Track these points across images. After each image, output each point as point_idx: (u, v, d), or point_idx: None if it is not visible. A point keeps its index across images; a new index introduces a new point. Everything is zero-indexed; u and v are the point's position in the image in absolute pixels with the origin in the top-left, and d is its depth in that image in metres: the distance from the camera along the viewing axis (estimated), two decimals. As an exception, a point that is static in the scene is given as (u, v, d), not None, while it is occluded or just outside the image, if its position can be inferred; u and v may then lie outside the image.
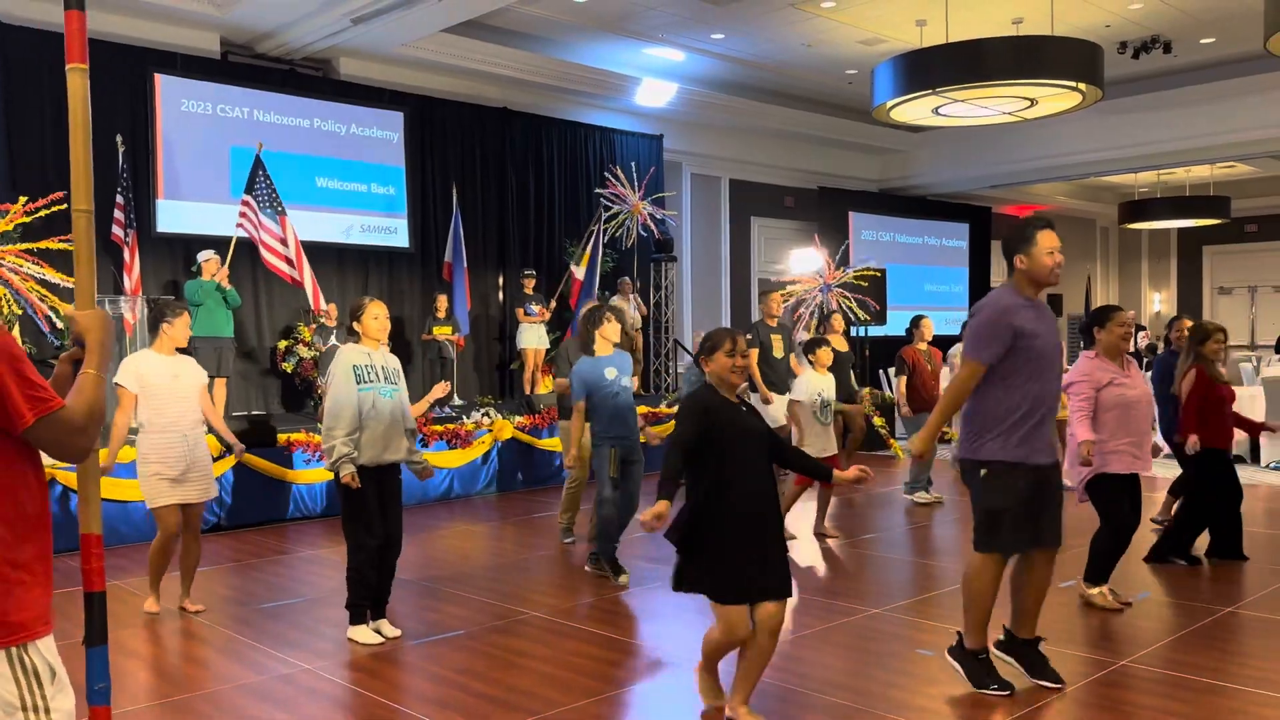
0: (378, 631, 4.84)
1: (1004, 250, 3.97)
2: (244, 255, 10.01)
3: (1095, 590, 5.12)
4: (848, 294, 11.74)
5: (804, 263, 12.36)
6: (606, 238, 12.29)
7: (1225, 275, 21.76)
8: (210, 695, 4.18)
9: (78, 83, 2.30)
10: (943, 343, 10.03)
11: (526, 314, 11.16)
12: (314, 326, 10.13)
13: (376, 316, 4.80)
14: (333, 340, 9.81)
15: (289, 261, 9.19)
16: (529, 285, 11.43)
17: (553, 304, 11.56)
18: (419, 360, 11.28)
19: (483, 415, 9.17)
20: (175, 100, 9.96)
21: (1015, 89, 10.30)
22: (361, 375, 4.72)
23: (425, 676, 4.38)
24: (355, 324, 4.84)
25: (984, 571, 3.91)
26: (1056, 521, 3.98)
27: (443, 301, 10.86)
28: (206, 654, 4.78)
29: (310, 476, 8.19)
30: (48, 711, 1.98)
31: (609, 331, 5.94)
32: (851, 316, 11.45)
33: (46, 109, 9.09)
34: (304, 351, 9.96)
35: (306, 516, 8.23)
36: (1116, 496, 5.03)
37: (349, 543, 4.80)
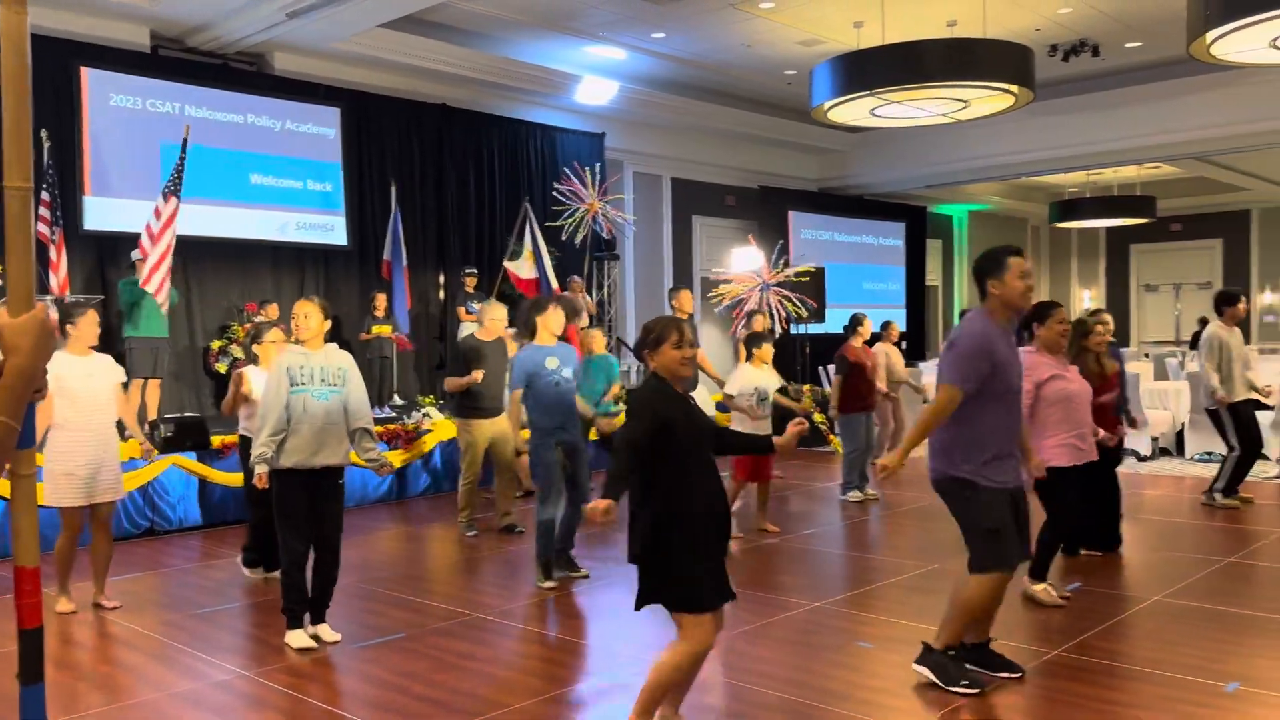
0: (315, 637, 4.77)
1: (975, 277, 4.01)
2: (175, 251, 9.80)
3: (1039, 587, 5.21)
4: (786, 292, 11.84)
5: (744, 261, 12.43)
6: (565, 236, 12.23)
7: (1151, 273, 22.40)
8: (144, 704, 4.08)
9: (14, 22, 1.73)
10: (880, 339, 10.22)
11: (468, 312, 11.08)
12: (248, 326, 9.93)
13: (308, 315, 4.72)
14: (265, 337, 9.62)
15: (149, 234, 8.72)
16: (470, 284, 11.35)
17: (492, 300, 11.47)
18: (359, 360, 11.12)
19: (423, 415, 9.09)
20: (103, 95, 9.71)
21: (949, 90, 10.49)
22: (295, 376, 4.64)
23: (366, 680, 4.33)
24: (294, 324, 4.79)
25: (989, 589, 3.91)
26: (1026, 535, 4.10)
27: (381, 300, 10.74)
28: (139, 661, 4.68)
29: (243, 479, 8.03)
30: None
31: (551, 321, 5.84)
32: (789, 315, 11.55)
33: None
34: (238, 351, 9.77)
35: (241, 520, 8.07)
36: (1063, 491, 5.12)
37: (282, 544, 4.74)
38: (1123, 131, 14.74)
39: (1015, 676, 4.02)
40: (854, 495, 8.50)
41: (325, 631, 4.82)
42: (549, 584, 5.73)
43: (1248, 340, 19.26)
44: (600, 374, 7.59)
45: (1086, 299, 23.25)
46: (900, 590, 5.56)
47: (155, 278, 8.17)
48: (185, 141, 8.61)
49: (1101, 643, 4.53)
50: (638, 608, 3.30)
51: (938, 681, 3.96)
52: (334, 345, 4.87)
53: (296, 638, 4.72)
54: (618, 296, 13.96)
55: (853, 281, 17.48)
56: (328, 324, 4.86)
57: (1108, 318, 6.04)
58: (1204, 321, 16.79)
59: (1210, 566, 5.91)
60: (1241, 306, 7.81)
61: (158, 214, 8.39)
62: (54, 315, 8.11)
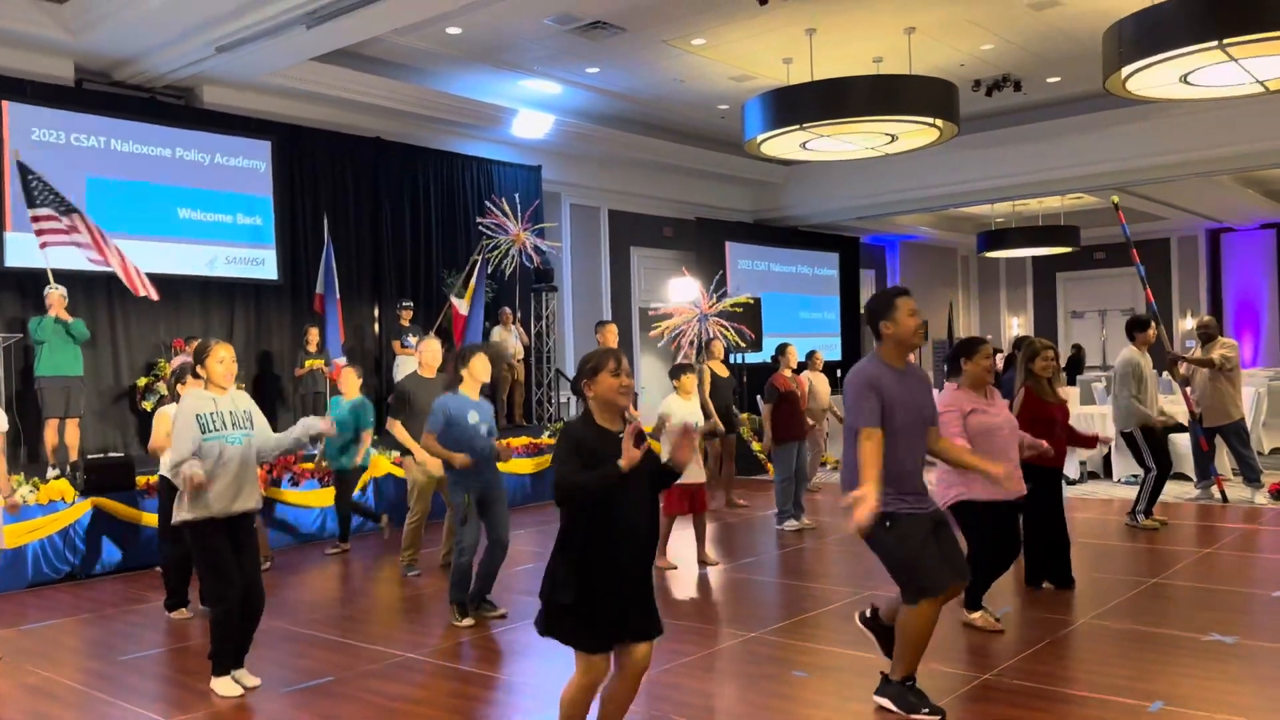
0: (238, 682, 4.65)
1: (869, 321, 4.09)
2: (98, 287, 9.60)
3: (975, 615, 5.28)
4: (724, 323, 11.94)
5: (681, 292, 12.52)
6: (490, 269, 12.20)
7: (1078, 300, 22.99)
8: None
9: None
10: (828, 369, 10.37)
11: (404, 346, 10.98)
12: (174, 362, 9.73)
13: (222, 360, 4.60)
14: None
15: (98, 249, 8.69)
16: (406, 317, 11.26)
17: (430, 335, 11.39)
18: (291, 396, 10.98)
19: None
20: (25, 129, 9.49)
21: (876, 125, 10.73)
22: (206, 424, 4.52)
23: (297, 726, 4.23)
24: (200, 368, 4.64)
25: (921, 618, 3.97)
26: (960, 555, 4.15)
27: (314, 334, 10.59)
28: (60, 712, 4.51)
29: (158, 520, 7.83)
30: None
31: (478, 370, 5.79)
32: (728, 344, 11.64)
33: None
34: (163, 389, 9.55)
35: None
36: (981, 522, 5.15)
37: (208, 595, 4.62)
38: (1045, 163, 15.18)
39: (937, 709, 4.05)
40: (790, 524, 8.54)
41: (246, 677, 4.70)
42: (466, 622, 5.71)
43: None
44: (350, 421, 7.76)
45: (1015, 326, 23.77)
46: (835, 618, 5.59)
47: (135, 281, 8.68)
48: (22, 165, 8.74)
49: (1031, 665, 4.60)
50: (543, 633, 3.30)
51: (898, 710, 4.00)
52: (241, 391, 4.80)
53: (225, 685, 4.60)
54: (555, 328, 13.94)
55: (789, 311, 17.68)
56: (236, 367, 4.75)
57: (1051, 351, 6.05)
58: (1077, 348, 17.29)
59: (1136, 588, 6.05)
60: (1151, 331, 8.07)
61: (89, 240, 8.31)
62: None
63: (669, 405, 7.21)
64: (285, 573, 7.42)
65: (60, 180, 9.60)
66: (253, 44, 9.50)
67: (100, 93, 10.21)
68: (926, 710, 3.97)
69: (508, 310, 12.34)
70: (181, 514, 4.54)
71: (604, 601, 3.20)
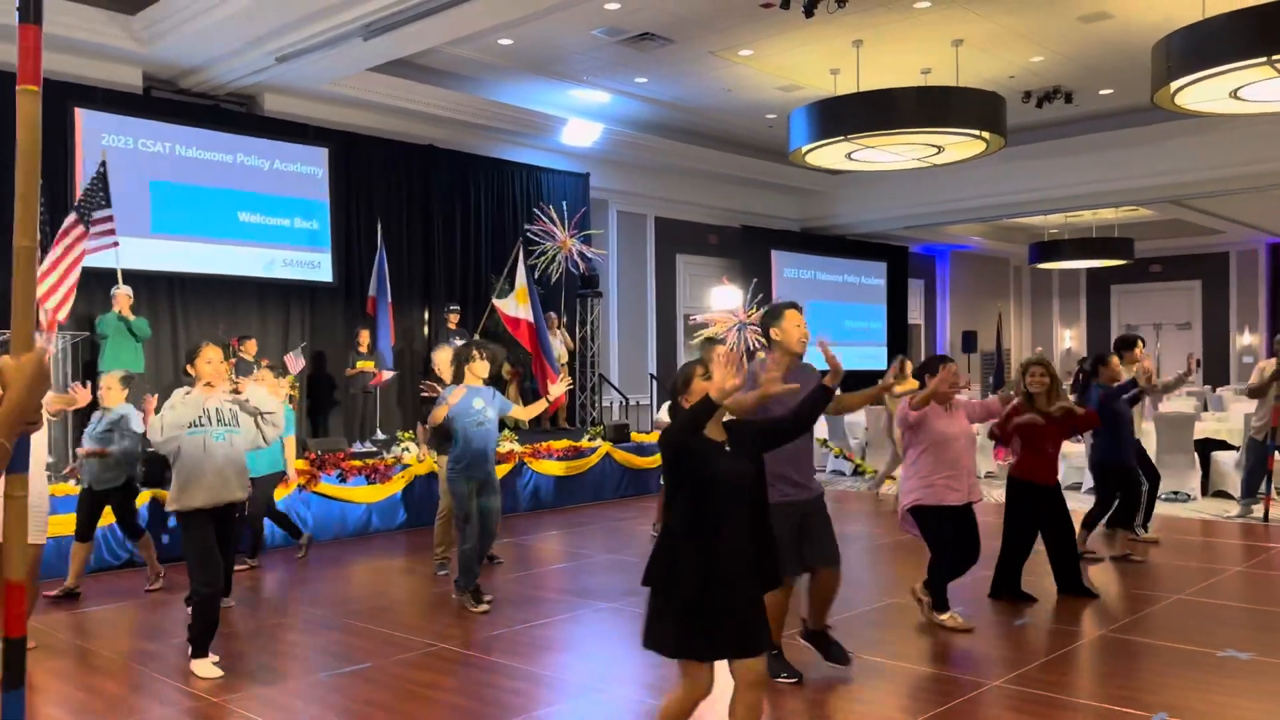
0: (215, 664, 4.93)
1: (761, 326, 4.64)
2: (160, 287, 10.00)
3: (945, 616, 5.50)
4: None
5: (723, 300, 12.67)
6: (538, 274, 12.44)
7: (1132, 314, 22.69)
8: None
9: (28, 107, 2.10)
10: (862, 378, 10.39)
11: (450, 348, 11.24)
12: (233, 361, 10.09)
13: (210, 361, 4.98)
14: (256, 374, 9.79)
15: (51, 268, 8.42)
16: (453, 320, 11.55)
17: (475, 337, 11.65)
18: (343, 394, 11.33)
19: (402, 450, 9.24)
20: (95, 134, 9.93)
21: (922, 136, 10.78)
22: (194, 419, 4.89)
23: (330, 708, 4.47)
24: (190, 367, 5.02)
25: (772, 596, 4.24)
26: (830, 543, 4.61)
27: (364, 336, 10.92)
28: (104, 683, 4.80)
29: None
30: None
31: (478, 368, 6.37)
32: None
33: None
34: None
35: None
36: (939, 526, 5.43)
37: (195, 581, 4.91)
38: (1098, 175, 15.07)
39: (843, 666, 4.70)
40: None
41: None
42: (481, 608, 6.11)
43: (1227, 380, 19.57)
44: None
45: (1068, 338, 23.52)
46: (862, 623, 5.72)
47: (54, 297, 8.09)
48: (103, 165, 8.78)
49: (1040, 674, 4.69)
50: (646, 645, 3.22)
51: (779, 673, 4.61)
52: (228, 390, 5.14)
53: (204, 667, 4.87)
54: (600, 334, 14.15)
55: (835, 320, 17.73)
56: (226, 368, 5.15)
57: (1040, 368, 6.19)
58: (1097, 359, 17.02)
59: (1158, 603, 6.08)
60: (1139, 351, 8.26)
61: (63, 235, 8.31)
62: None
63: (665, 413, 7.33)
64: (327, 566, 7.71)
65: (126, 184, 10.05)
66: (312, 54, 9.85)
67: (167, 100, 10.64)
68: (785, 674, 4.60)
69: (553, 315, 12.58)
70: (171, 504, 4.91)
71: (713, 610, 3.12)
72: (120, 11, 9.62)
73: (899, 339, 19.36)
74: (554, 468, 10.57)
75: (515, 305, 11.53)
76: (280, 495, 8.00)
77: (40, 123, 2.10)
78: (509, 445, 10.15)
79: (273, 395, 5.78)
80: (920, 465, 5.43)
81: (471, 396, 6.26)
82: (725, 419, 3.36)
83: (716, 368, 3.13)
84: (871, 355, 18.38)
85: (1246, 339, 20.88)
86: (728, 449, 3.28)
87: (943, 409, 5.48)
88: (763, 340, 11.90)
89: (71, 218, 8.45)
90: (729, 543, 3.16)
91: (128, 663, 5.19)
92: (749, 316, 12.27)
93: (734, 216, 16.83)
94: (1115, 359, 7.63)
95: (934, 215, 17.28)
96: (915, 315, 20.79)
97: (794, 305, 4.58)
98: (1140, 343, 8.46)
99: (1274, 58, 8.21)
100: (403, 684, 4.75)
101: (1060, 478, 6.41)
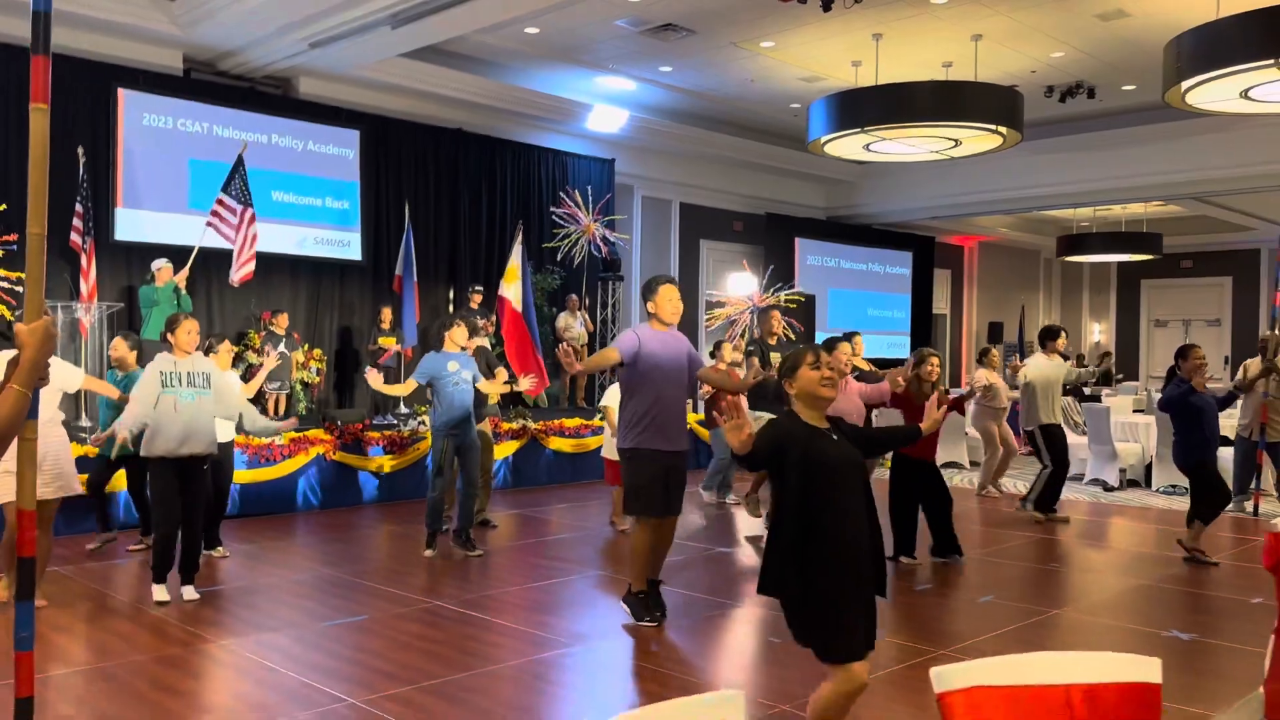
0: (181, 594, 5.75)
1: (642, 296, 5.41)
2: (197, 262, 10.44)
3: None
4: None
5: (739, 286, 12.96)
6: (561, 256, 12.80)
7: (1161, 308, 22.61)
8: (126, 666, 4.64)
9: (40, 123, 2.48)
10: (885, 366, 10.63)
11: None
12: (264, 333, 10.58)
13: (189, 331, 5.68)
14: (281, 347, 10.27)
15: (236, 245, 9.83)
16: (475, 300, 11.93)
17: (494, 317, 11.99)
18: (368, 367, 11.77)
19: (419, 424, 9.65)
20: (137, 114, 10.41)
21: (939, 130, 10.96)
22: (166, 380, 5.59)
23: (324, 653, 4.87)
24: (170, 335, 5.70)
25: (639, 535, 5.25)
26: (679, 498, 5.28)
27: (387, 313, 11.32)
28: (130, 629, 5.24)
29: (266, 474, 8.67)
30: None
31: (457, 335, 7.11)
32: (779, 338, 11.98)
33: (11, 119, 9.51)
34: (253, 358, 10.39)
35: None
36: None
37: (155, 517, 5.70)
38: (1123, 170, 15.11)
39: (657, 615, 5.29)
40: (710, 497, 9.54)
41: (189, 591, 5.80)
42: (428, 552, 7.02)
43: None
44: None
45: (1097, 332, 23.47)
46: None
47: (244, 270, 9.78)
48: (241, 158, 9.78)
49: (989, 645, 4.98)
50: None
51: (632, 618, 5.30)
52: (200, 354, 5.86)
53: (160, 591, 5.72)
54: (621, 316, 14.49)
55: (858, 307, 17.92)
56: (198, 338, 5.83)
57: (936, 358, 6.94)
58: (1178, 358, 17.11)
59: (1124, 588, 6.33)
60: (1061, 341, 8.89)
61: (237, 222, 9.66)
62: (84, 320, 8.80)
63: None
64: (344, 531, 8.15)
65: (166, 162, 10.54)
66: (343, 41, 10.24)
67: (205, 82, 11.09)
68: (648, 619, 5.24)
69: (574, 297, 12.93)
70: (142, 450, 5.64)
71: (848, 607, 3.10)
72: (162, -3, 10.08)
73: (923, 328, 19.49)
74: (564, 444, 10.94)
75: (503, 285, 11.79)
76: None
77: (49, 137, 2.54)
78: (522, 422, 10.54)
79: (221, 370, 6.45)
80: None
81: (446, 360, 6.95)
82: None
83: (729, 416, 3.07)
84: (895, 343, 18.55)
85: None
86: (835, 437, 3.27)
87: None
88: (794, 325, 12.19)
89: (238, 205, 9.69)
90: (850, 529, 3.13)
91: (141, 609, 5.64)
92: (764, 301, 12.59)
93: (759, 204, 17.05)
94: (1194, 351, 7.44)
95: (960, 206, 17.37)
96: (941, 305, 20.88)
97: (671, 280, 5.40)
98: (1063, 333, 9.03)
99: (1280, 60, 8.33)
100: (395, 635, 5.15)
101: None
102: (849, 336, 9.58)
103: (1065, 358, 9.24)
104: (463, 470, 7.02)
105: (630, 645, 5.05)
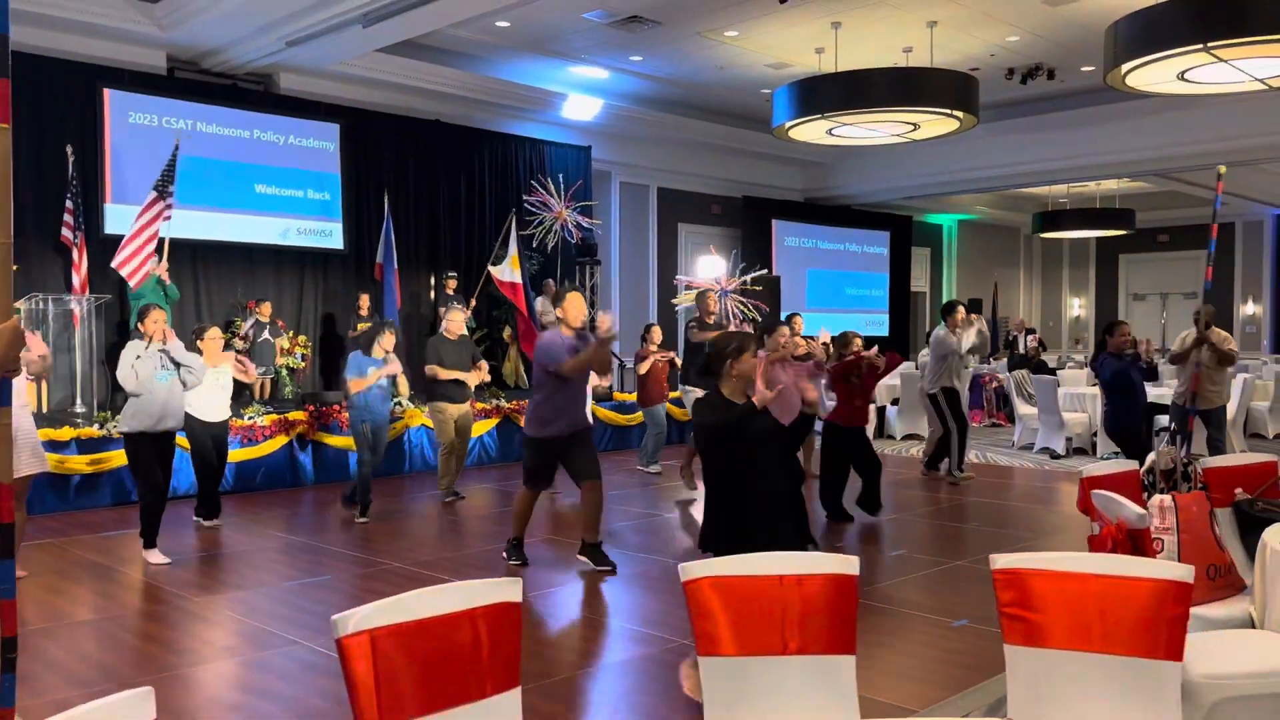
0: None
1: (552, 302, 6.09)
2: (184, 253, 10.93)
3: None
4: (742, 298, 12.78)
5: (708, 269, 13.41)
6: (536, 243, 13.29)
7: (1139, 283, 23.02)
8: (110, 619, 5.16)
9: (2, 142, 2.60)
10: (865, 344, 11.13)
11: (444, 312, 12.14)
12: (250, 321, 11.07)
13: (156, 320, 6.26)
14: (265, 335, 10.78)
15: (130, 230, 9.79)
16: (451, 285, 12.42)
17: (473, 302, 12.49)
18: (347, 353, 12.26)
19: (395, 405, 10.13)
20: (123, 112, 10.88)
21: (897, 115, 11.38)
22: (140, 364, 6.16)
23: (286, 605, 5.40)
24: (140, 324, 6.29)
25: (522, 498, 6.34)
26: (586, 464, 6.08)
27: (365, 300, 11.79)
28: (113, 589, 5.76)
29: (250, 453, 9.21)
30: None
31: (386, 342, 7.91)
32: (744, 317, 12.49)
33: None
34: (238, 344, 10.88)
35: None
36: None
37: (139, 487, 6.35)
38: (1090, 148, 15.49)
39: (607, 569, 6.05)
40: (654, 468, 10.37)
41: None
42: (361, 520, 7.78)
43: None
44: None
45: (1076, 306, 23.89)
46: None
47: (131, 264, 9.53)
48: (176, 149, 10.03)
49: (879, 590, 5.49)
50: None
51: (508, 560, 6.34)
52: (174, 339, 6.36)
53: (156, 555, 6.38)
54: (600, 300, 14.95)
55: (834, 287, 18.36)
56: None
57: (860, 339, 7.87)
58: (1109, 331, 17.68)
59: (1014, 539, 6.83)
60: (959, 315, 9.72)
61: (145, 210, 9.68)
62: (76, 311, 9.30)
63: None
64: (325, 505, 8.67)
65: (152, 158, 10.99)
66: (318, 39, 10.69)
67: (189, 80, 11.55)
68: (516, 561, 6.32)
69: (550, 282, 13.39)
70: (121, 426, 6.24)
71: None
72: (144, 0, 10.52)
73: (901, 306, 19.92)
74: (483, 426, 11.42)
75: (510, 271, 12.40)
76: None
77: (11, 156, 2.86)
78: (496, 401, 11.03)
79: (213, 356, 7.16)
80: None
81: (368, 364, 7.82)
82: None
83: (759, 378, 4.11)
84: (874, 322, 19.00)
85: (1251, 309, 21.16)
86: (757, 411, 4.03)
87: (781, 365, 6.50)
88: (744, 306, 12.67)
89: (152, 195, 9.78)
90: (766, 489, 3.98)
91: (124, 571, 6.16)
92: (730, 284, 13.05)
93: (737, 187, 17.46)
94: (1121, 327, 8.49)
95: (935, 186, 17.77)
96: (920, 283, 21.31)
97: (576, 289, 6.30)
98: (960, 307, 9.82)
99: (1209, 45, 8.72)
100: (353, 592, 5.67)
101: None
102: (789, 320, 10.10)
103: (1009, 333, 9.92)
104: (374, 447, 7.97)
105: (580, 595, 5.56)
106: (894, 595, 5.47)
